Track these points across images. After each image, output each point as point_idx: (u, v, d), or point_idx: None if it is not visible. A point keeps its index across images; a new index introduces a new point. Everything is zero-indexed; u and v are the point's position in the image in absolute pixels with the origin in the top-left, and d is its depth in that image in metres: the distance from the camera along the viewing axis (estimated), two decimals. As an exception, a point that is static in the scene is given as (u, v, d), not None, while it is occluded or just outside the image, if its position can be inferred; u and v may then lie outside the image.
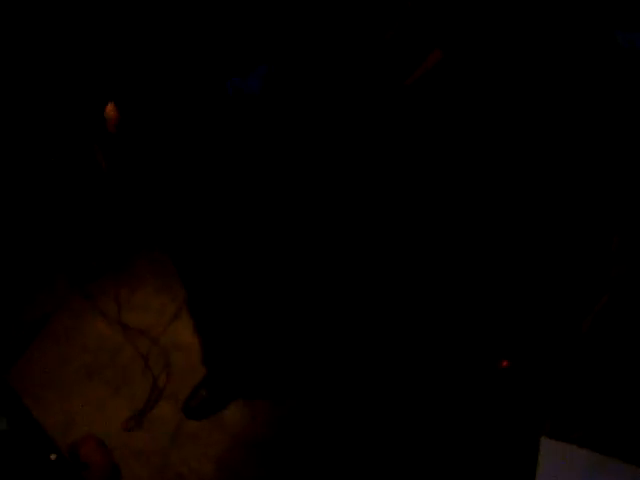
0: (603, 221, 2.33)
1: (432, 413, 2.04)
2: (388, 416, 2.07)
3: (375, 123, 2.40)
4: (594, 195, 2.39)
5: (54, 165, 2.52)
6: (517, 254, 2.47)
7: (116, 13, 1.16)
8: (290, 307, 2.31)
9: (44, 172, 2.54)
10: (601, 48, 2.27)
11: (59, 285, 2.63)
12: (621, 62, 2.19)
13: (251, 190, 1.68)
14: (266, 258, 2.02)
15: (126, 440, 2.13)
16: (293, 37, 1.27)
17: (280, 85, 1.19)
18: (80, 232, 2.73)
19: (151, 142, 1.38)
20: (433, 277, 2.46)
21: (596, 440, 1.58)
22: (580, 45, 2.34)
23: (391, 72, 2.21)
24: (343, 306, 2.39)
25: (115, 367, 2.35)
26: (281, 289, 2.23)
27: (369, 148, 2.48)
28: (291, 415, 2.15)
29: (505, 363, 2.11)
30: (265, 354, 2.23)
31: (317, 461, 2.00)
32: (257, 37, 1.14)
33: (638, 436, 1.58)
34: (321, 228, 2.37)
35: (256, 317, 2.10)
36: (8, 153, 2.46)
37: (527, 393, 1.99)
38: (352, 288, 2.43)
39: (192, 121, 1.27)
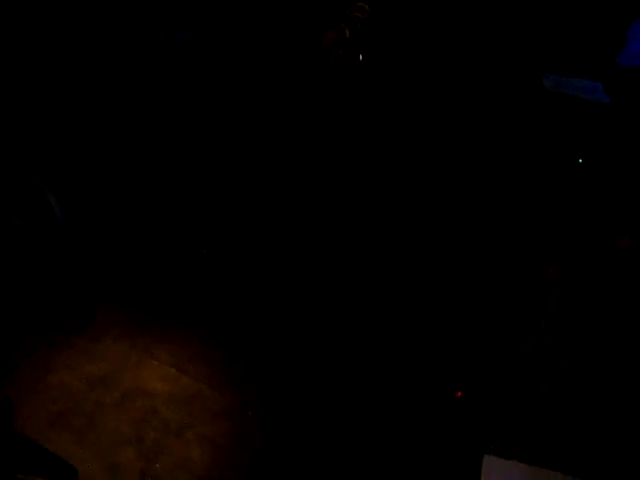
0: (541, 251, 2.49)
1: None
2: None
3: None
4: (530, 226, 2.56)
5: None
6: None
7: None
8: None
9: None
10: (528, 89, 2.48)
11: (25, 336, 2.65)
12: (544, 103, 2.40)
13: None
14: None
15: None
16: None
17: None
18: (46, 285, 2.81)
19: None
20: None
21: (537, 454, 1.70)
22: (509, 85, 2.56)
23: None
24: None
25: (80, 415, 2.37)
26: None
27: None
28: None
29: (459, 393, 2.25)
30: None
31: None
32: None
33: (574, 448, 1.69)
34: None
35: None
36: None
37: (476, 418, 2.10)
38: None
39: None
